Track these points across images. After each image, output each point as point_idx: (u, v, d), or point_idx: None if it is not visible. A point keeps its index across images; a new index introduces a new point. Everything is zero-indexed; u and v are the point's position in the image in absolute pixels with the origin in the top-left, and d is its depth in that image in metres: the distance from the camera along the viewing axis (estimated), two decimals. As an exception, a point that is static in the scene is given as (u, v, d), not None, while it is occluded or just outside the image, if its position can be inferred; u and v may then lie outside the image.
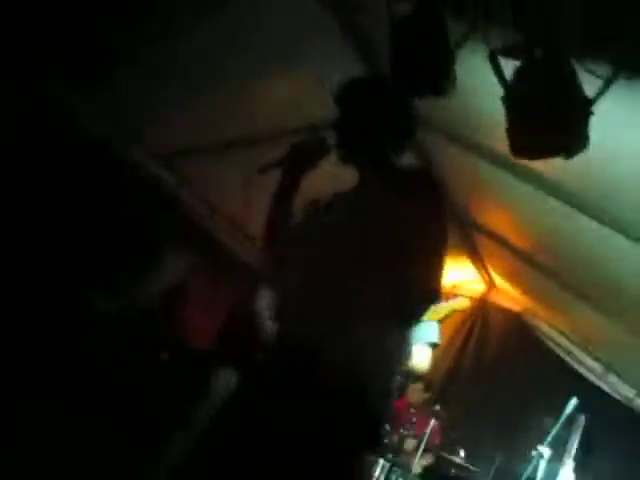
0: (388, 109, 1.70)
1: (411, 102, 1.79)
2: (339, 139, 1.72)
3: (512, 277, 4.83)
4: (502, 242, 4.16)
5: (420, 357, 2.79)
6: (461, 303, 2.65)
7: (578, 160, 2.48)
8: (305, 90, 3.28)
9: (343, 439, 1.40)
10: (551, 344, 4.78)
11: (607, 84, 1.62)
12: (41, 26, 2.39)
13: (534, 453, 3.23)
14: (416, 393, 4.48)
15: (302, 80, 3.22)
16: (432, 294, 1.52)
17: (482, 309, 5.25)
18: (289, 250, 1.69)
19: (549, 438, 3.22)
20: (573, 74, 1.62)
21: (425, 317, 2.64)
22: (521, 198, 3.40)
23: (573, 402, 3.26)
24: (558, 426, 3.23)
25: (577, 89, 1.61)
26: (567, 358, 4.62)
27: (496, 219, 4.10)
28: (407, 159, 3.49)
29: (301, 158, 1.72)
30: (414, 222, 1.47)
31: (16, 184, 2.87)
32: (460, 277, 5.17)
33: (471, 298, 5.24)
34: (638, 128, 2.00)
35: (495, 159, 3.00)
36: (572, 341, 4.64)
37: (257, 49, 2.94)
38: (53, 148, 2.96)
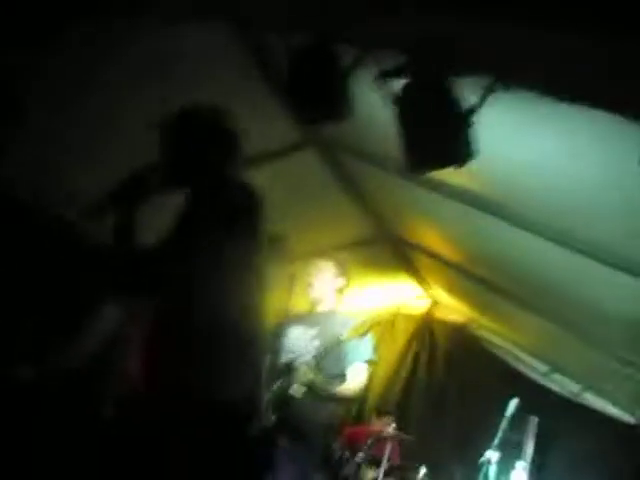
0: (205, 140, 1.91)
1: (230, 131, 1.97)
2: (164, 167, 1.88)
3: (452, 291, 4.95)
4: (438, 258, 4.29)
5: (357, 375, 2.82)
6: (376, 317, 2.70)
7: (492, 170, 2.65)
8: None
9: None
10: (497, 351, 4.90)
11: (484, 95, 1.74)
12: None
13: (482, 459, 3.28)
14: (381, 422, 4.46)
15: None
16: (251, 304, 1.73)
17: (429, 325, 5.34)
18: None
19: (496, 441, 3.28)
20: (452, 88, 1.73)
21: (348, 334, 2.70)
22: (447, 213, 3.53)
23: (514, 403, 3.34)
24: (505, 428, 3.30)
25: (457, 102, 1.72)
26: (513, 362, 4.74)
27: (428, 236, 4.23)
28: (332, 183, 3.69)
29: (129, 192, 1.82)
30: (231, 237, 1.68)
31: None
32: (404, 295, 5.27)
33: (416, 315, 5.41)
34: (534, 134, 2.13)
35: (411, 177, 3.11)
36: (516, 345, 4.76)
37: (176, 90, 2.98)
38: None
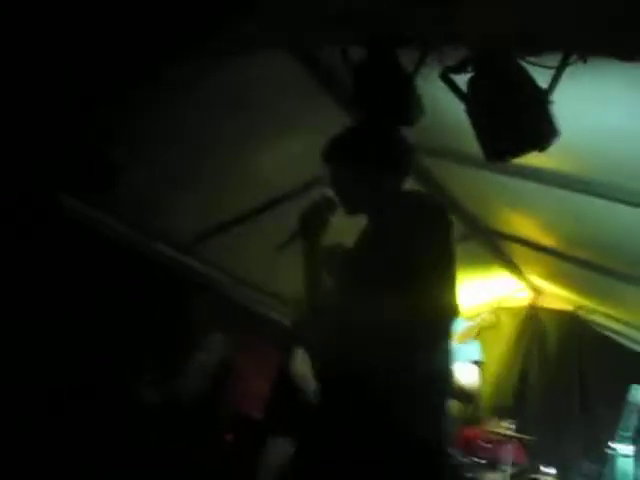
0: (372, 155, 1.81)
1: (395, 137, 1.89)
2: (338, 195, 1.84)
3: (554, 278, 4.72)
4: (533, 246, 4.12)
5: (467, 375, 2.75)
6: (486, 320, 2.62)
7: (573, 148, 2.54)
8: (303, 150, 3.43)
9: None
10: (613, 335, 4.60)
11: (558, 72, 1.67)
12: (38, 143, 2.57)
13: (609, 452, 3.07)
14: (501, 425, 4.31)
15: (299, 141, 3.37)
16: (446, 311, 1.57)
17: (535, 317, 5.12)
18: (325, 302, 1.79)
19: (628, 433, 3.07)
20: (523, 71, 1.68)
21: (457, 340, 2.64)
22: (532, 198, 3.41)
23: (635, 389, 3.11)
24: (635, 417, 3.08)
25: (530, 84, 1.67)
26: (632, 345, 4.43)
27: (520, 225, 4.08)
28: (414, 187, 3.65)
29: (311, 223, 1.82)
30: (416, 244, 1.56)
31: (45, 298, 3.06)
32: (504, 289, 5.09)
33: (519, 308, 5.20)
34: (608, 103, 2.03)
35: (495, 167, 3.03)
36: (633, 327, 4.46)
37: (250, 118, 3.10)
38: (73, 256, 3.16)
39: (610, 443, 3.09)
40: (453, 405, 2.96)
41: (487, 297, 5.10)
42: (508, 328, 5.15)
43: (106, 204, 3.35)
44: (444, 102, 2.28)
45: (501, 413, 4.43)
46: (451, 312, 1.58)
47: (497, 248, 4.43)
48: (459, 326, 2.71)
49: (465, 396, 2.80)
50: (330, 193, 1.85)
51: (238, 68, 2.64)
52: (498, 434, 3.95)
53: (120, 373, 3.24)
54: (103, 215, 3.39)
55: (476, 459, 3.75)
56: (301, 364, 2.82)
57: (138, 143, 3.03)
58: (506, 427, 3.94)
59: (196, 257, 3.87)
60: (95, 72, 2.32)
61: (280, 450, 2.72)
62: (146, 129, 2.97)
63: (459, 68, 1.77)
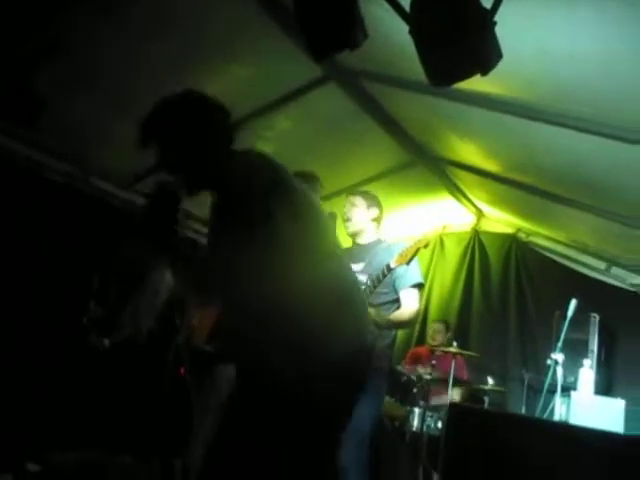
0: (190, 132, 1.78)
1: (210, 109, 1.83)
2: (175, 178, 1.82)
3: (497, 202, 4.86)
4: (475, 170, 4.20)
5: (409, 299, 2.83)
6: (422, 240, 2.65)
7: (516, 71, 2.54)
8: (245, 80, 3.31)
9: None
10: (551, 255, 4.84)
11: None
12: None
13: (549, 361, 3.31)
14: (438, 335, 4.57)
15: (240, 71, 3.24)
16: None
17: (478, 239, 5.30)
18: None
19: (560, 343, 3.29)
20: (466, -10, 1.64)
21: (395, 263, 2.70)
22: (477, 123, 3.43)
23: (573, 303, 3.31)
24: (568, 329, 3.30)
25: (473, 3, 1.63)
26: (568, 263, 4.68)
27: (464, 151, 4.12)
28: (360, 113, 3.60)
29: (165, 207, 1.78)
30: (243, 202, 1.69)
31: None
32: (448, 214, 5.21)
33: (463, 232, 5.37)
34: (552, 24, 2.02)
35: (439, 92, 3.01)
36: (570, 246, 4.69)
37: (190, 46, 2.95)
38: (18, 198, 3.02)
39: (551, 354, 3.31)
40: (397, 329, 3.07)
41: (432, 222, 5.22)
42: (452, 251, 5.34)
43: (40, 137, 3.16)
44: (389, 24, 2.23)
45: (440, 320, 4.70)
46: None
47: (442, 174, 4.50)
48: (397, 248, 2.76)
49: (405, 322, 2.89)
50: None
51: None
52: (442, 351, 4.16)
53: (62, 314, 3.18)
54: (34, 149, 3.21)
55: (423, 374, 3.94)
56: None
57: (72, 71, 2.85)
58: (450, 344, 4.15)
59: (137, 192, 3.74)
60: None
61: (229, 377, 2.80)
62: (79, 55, 2.79)
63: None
